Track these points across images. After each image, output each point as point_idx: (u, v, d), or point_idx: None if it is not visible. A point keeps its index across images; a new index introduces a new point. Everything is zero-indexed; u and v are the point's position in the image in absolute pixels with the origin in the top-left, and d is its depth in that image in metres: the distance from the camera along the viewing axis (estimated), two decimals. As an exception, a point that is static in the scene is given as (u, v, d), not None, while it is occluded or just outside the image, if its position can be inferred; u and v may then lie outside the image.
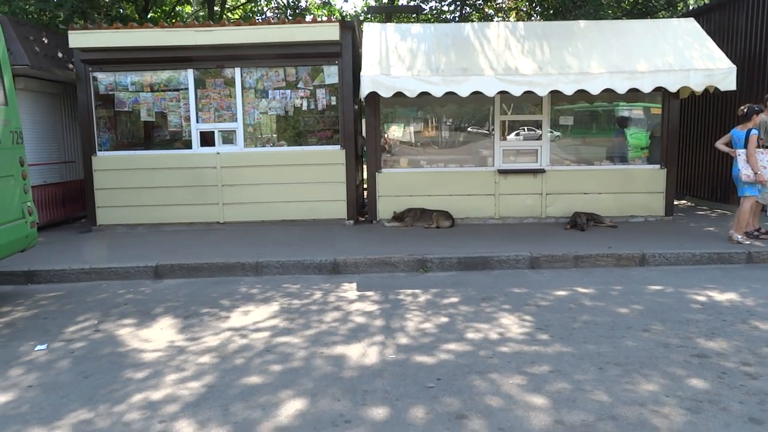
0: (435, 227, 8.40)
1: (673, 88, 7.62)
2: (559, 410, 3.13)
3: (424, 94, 7.72)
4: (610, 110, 9.52)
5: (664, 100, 8.65)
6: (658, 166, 8.83)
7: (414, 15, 14.27)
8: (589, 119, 9.63)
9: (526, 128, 9.55)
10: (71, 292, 5.90)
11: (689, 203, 11.05)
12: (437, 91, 7.57)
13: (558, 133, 9.36)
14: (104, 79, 8.89)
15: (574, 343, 4.16)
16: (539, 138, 8.93)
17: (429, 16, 14.76)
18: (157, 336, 4.50)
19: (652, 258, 6.55)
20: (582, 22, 8.75)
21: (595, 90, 7.51)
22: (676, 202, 10.90)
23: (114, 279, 6.36)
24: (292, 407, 3.24)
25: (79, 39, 8.48)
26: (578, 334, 4.34)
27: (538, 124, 9.00)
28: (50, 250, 7.41)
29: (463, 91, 7.56)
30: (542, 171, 8.73)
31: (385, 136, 9.31)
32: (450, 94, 7.66)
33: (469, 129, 9.26)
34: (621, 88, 7.50)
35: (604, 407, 3.16)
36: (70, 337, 4.54)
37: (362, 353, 4.04)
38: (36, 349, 4.29)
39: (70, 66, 9.31)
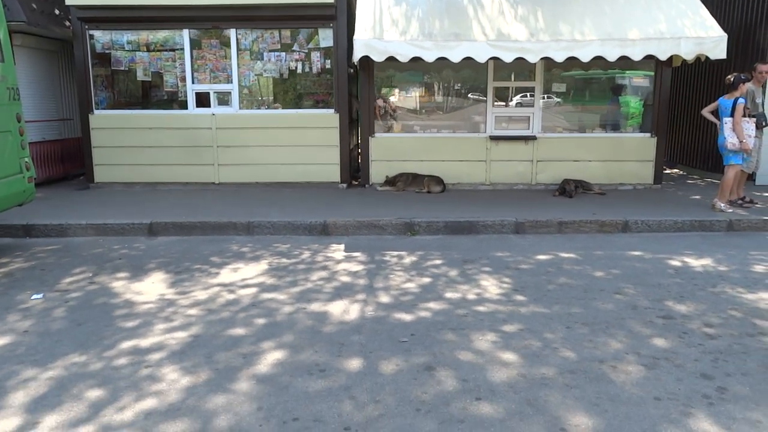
0: (426, 192, 8.53)
1: (663, 57, 7.63)
2: (523, 365, 3.33)
3: (418, 60, 7.74)
4: (605, 78, 9.53)
5: (656, 69, 8.66)
6: (648, 134, 8.90)
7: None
8: (584, 86, 9.65)
9: (529, 95, 9.57)
10: (68, 246, 6.08)
11: (681, 172, 11.14)
12: (429, 57, 7.60)
13: (559, 100, 9.41)
14: (101, 37, 8.89)
15: (547, 303, 4.35)
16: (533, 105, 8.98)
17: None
18: (148, 289, 4.69)
19: (634, 225, 6.70)
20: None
21: (585, 57, 7.53)
22: (668, 171, 11.01)
23: (110, 235, 6.53)
24: (272, 357, 3.44)
25: (74, -5, 8.45)
26: (552, 296, 4.52)
27: (532, 91, 9.03)
28: (49, 205, 7.56)
29: (455, 57, 7.58)
30: (533, 138, 8.81)
31: (388, 100, 9.35)
32: (443, 60, 7.69)
33: (470, 95, 9.28)
34: (612, 56, 7.52)
35: (566, 363, 3.36)
36: (66, 287, 4.73)
37: (344, 310, 4.23)
38: (32, 297, 4.49)
39: (68, 23, 9.30)
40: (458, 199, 8.06)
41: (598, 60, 7.77)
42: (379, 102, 9.30)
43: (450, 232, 6.64)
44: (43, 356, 3.45)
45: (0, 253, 5.84)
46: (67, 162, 9.84)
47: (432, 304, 4.33)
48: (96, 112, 8.95)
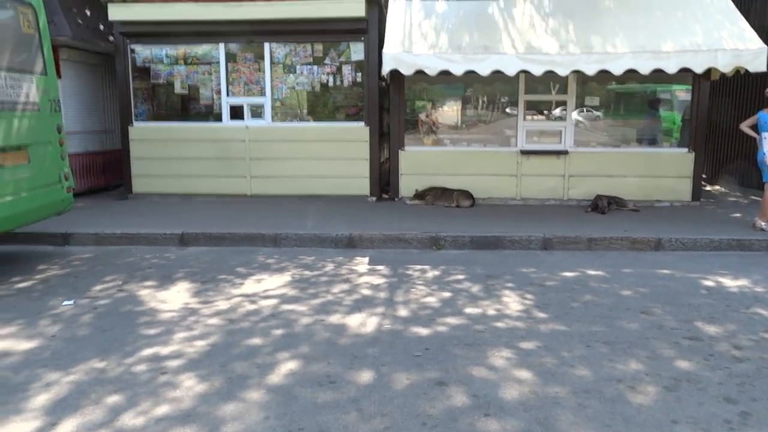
0: (455, 206, 8.49)
1: (699, 69, 7.42)
2: (537, 383, 3.26)
3: (448, 73, 7.74)
4: (642, 91, 9.33)
5: (694, 82, 8.44)
6: (686, 149, 8.66)
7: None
8: (619, 100, 9.47)
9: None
10: (102, 255, 6.28)
11: (723, 189, 10.77)
12: (457, 70, 7.59)
13: (599, 113, 9.27)
14: (141, 51, 9.23)
15: (569, 321, 4.26)
16: (566, 118, 8.84)
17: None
18: (173, 298, 4.80)
19: (668, 243, 6.51)
20: (610, -1, 8.56)
21: (617, 70, 7.39)
22: (708, 188, 10.66)
23: (143, 244, 6.72)
24: (285, 368, 3.47)
25: (117, 12, 8.81)
26: (574, 313, 4.43)
27: (563, 105, 8.91)
28: (87, 214, 7.84)
29: (484, 70, 7.56)
30: (565, 152, 8.68)
31: (431, 114, 9.37)
32: (472, 73, 7.67)
33: (508, 110, 9.21)
34: (645, 69, 7.36)
35: (582, 381, 3.28)
36: (96, 295, 4.89)
37: (361, 323, 4.23)
38: (63, 303, 4.65)
39: (111, 38, 9.68)
40: (487, 214, 7.99)
41: (633, 73, 7.62)
42: (422, 116, 9.36)
43: (476, 247, 6.58)
44: (66, 360, 3.57)
45: (39, 260, 6.08)
46: (108, 173, 10.19)
47: (450, 319, 4.30)
48: (135, 123, 9.26)
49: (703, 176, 10.00)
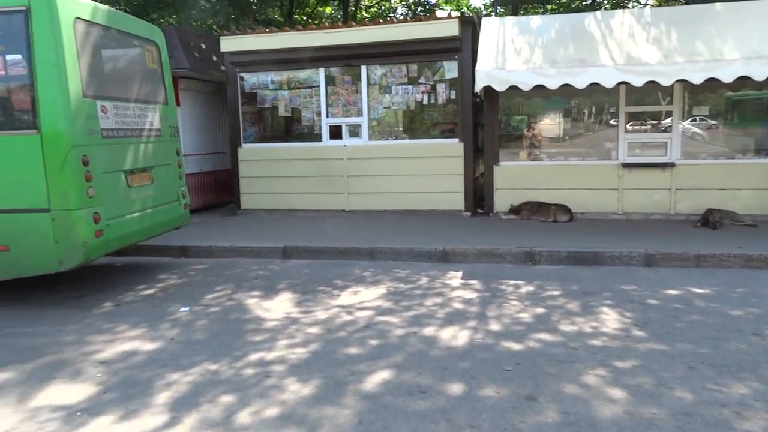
0: (552, 221, 8.33)
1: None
2: (632, 403, 3.18)
3: (543, 87, 7.67)
4: (761, 98, 8.69)
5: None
6: (812, 159, 7.95)
7: (542, 5, 13.96)
8: (735, 108, 8.88)
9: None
10: (214, 266, 6.81)
11: None
12: (552, 84, 7.50)
13: (714, 122, 8.78)
14: (249, 78, 9.93)
15: (671, 341, 4.09)
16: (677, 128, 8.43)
17: (557, 5, 14.30)
18: (277, 307, 5.14)
19: (788, 261, 6.02)
20: (718, 5, 8.08)
21: (727, 78, 6.96)
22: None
23: (249, 257, 7.21)
24: (378, 376, 3.63)
25: (229, 44, 9.57)
26: (677, 333, 4.24)
27: (667, 116, 8.50)
28: (201, 229, 8.52)
29: (580, 83, 7.41)
30: (671, 165, 8.26)
31: (533, 129, 9.32)
32: (567, 87, 7.55)
33: (609, 122, 8.96)
34: (759, 75, 6.87)
35: (682, 404, 3.15)
36: (208, 302, 5.34)
37: (453, 336, 4.31)
38: (180, 310, 5.13)
39: (222, 68, 10.50)
40: (585, 229, 7.78)
41: (747, 80, 7.15)
42: (526, 132, 9.33)
43: (572, 263, 6.44)
44: (183, 362, 3.95)
45: (160, 271, 6.70)
46: (219, 191, 11.00)
47: (543, 335, 4.27)
48: (244, 145, 9.96)
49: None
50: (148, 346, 4.28)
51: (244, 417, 3.16)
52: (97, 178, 5.35)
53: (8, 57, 5.40)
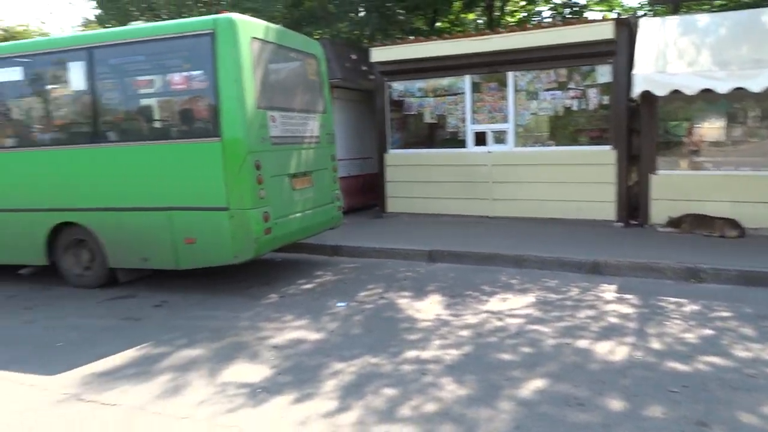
0: (718, 236, 7.66)
1: None
2: (826, 439, 2.90)
3: (708, 91, 7.11)
4: None
5: None
6: None
7: (708, 1, 12.83)
8: None
9: None
10: (364, 266, 7.18)
11: None
12: (722, 88, 6.90)
13: None
14: (397, 87, 10.30)
15: None
16: None
17: (726, 0, 13.04)
18: (427, 308, 5.31)
19: None
20: None
21: None
22: None
23: (396, 258, 7.48)
24: (533, 384, 3.63)
25: (378, 54, 10.01)
26: None
27: None
28: (350, 230, 8.98)
29: (756, 86, 6.74)
30: None
31: (693, 134, 8.72)
32: (736, 90, 6.91)
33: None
34: None
35: None
36: (362, 300, 5.66)
37: (609, 350, 4.18)
38: (337, 305, 5.49)
39: (371, 77, 10.98)
40: (759, 246, 7.07)
41: None
42: (685, 138, 8.74)
43: (744, 283, 5.89)
44: (345, 353, 4.24)
45: (316, 267, 7.20)
46: (365, 194, 11.49)
47: (713, 358, 3.99)
48: (390, 151, 10.34)
49: None
50: (313, 336, 4.65)
51: (405, 410, 3.34)
52: (267, 181, 5.90)
53: (194, 73, 6.16)
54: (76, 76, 6.24)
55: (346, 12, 15.11)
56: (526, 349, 4.24)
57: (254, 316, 5.24)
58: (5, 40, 21.60)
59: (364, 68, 11.30)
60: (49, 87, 6.78)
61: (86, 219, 6.21)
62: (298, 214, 6.49)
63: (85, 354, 4.45)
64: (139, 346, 4.58)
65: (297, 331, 4.78)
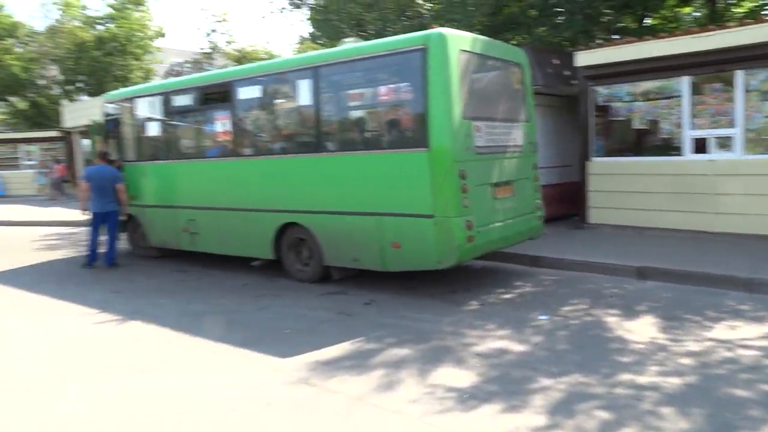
0: None
1: None
2: None
3: None
4: None
5: None
6: None
7: None
8: None
9: None
10: (565, 279, 6.91)
11: None
12: None
13: None
14: (602, 91, 9.75)
15: None
16: None
17: None
18: (640, 330, 4.95)
19: None
20: None
21: None
22: None
23: (600, 272, 7.08)
24: (779, 428, 3.20)
25: (584, 58, 9.57)
26: None
27: None
28: (550, 241, 8.68)
29: None
30: None
31: None
32: None
33: None
34: None
35: None
36: (565, 314, 5.46)
37: None
38: (539, 317, 5.38)
39: (573, 82, 10.54)
40: None
41: None
42: None
43: None
44: (552, 369, 4.14)
45: (515, 277, 7.12)
46: (565, 203, 11.05)
47: None
48: (593, 159, 9.82)
49: None
50: (517, 347, 4.63)
51: (623, 437, 3.17)
52: (471, 190, 6.00)
53: (404, 86, 6.50)
54: (304, 92, 6.98)
55: (547, 16, 14.70)
56: (766, 387, 3.74)
57: (457, 321, 5.37)
58: (239, 60, 25.01)
59: (566, 73, 10.90)
60: (280, 102, 7.69)
61: (308, 220, 6.92)
62: (499, 223, 6.49)
63: (309, 342, 4.96)
64: (353, 340, 4.97)
65: (500, 341, 4.78)
